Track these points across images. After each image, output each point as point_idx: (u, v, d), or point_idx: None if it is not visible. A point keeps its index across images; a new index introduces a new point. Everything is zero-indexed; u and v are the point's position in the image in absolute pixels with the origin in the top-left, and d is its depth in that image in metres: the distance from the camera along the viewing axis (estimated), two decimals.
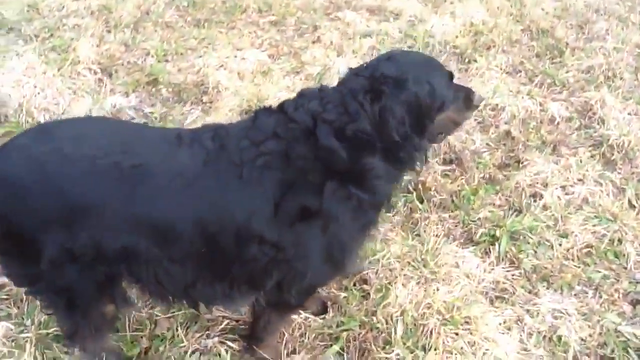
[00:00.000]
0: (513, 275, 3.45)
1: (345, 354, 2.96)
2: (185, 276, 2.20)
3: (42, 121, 4.33)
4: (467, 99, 2.49)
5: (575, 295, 3.37)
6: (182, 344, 2.91)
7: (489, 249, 3.60)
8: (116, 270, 2.18)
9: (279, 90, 4.82)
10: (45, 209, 2.02)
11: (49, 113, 4.43)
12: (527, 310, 3.24)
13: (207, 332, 3.00)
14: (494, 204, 3.92)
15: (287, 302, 2.46)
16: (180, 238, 2.07)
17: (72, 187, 2.01)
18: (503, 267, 3.48)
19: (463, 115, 2.54)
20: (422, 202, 3.89)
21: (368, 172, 2.15)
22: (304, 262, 2.23)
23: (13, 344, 2.83)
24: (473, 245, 3.63)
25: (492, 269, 3.47)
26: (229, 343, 2.93)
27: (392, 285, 3.26)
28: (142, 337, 2.97)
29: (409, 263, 3.44)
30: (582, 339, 3.12)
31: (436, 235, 3.64)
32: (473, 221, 3.76)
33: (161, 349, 2.90)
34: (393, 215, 3.80)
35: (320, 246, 2.21)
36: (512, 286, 3.37)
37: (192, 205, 2.07)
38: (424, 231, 3.67)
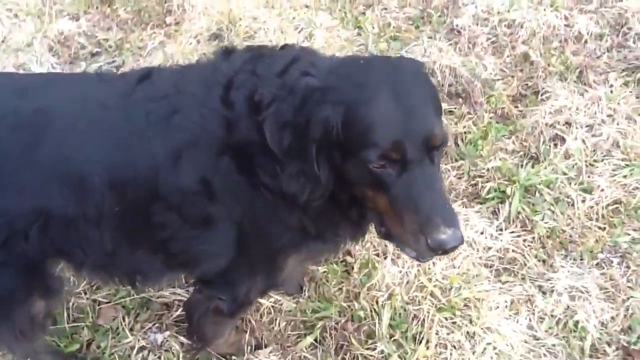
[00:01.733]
0: (525, 241, 2.92)
1: (320, 347, 2.51)
2: (104, 242, 1.85)
3: None
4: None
5: (597, 265, 2.84)
6: (127, 340, 2.46)
7: (498, 208, 3.04)
8: (37, 242, 1.76)
9: (255, 6, 4.09)
10: None
11: None
12: (540, 287, 2.74)
13: (160, 321, 2.55)
14: (506, 150, 3.31)
15: (214, 291, 2.07)
16: (92, 191, 1.74)
17: None
18: (513, 232, 2.94)
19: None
20: None
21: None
22: (198, 241, 1.85)
23: None
24: (479, 204, 3.07)
25: (500, 234, 2.93)
26: (183, 338, 2.48)
27: (380, 260, 2.76)
28: (82, 328, 2.53)
29: None
30: (602, 324, 2.63)
31: None
32: (480, 174, 3.17)
33: (103, 344, 2.47)
34: None
35: (209, 231, 1.83)
36: (524, 256, 2.85)
37: (101, 155, 1.75)
38: None
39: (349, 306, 2.60)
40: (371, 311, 2.58)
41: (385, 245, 2.84)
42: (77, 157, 1.73)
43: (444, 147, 1.62)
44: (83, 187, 1.72)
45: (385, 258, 2.76)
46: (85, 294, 2.61)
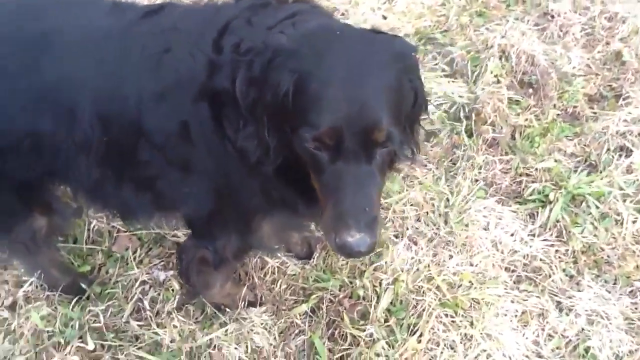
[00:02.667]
0: (557, 252, 2.72)
1: (313, 317, 2.51)
2: (93, 170, 1.90)
3: None
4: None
5: (630, 293, 2.61)
6: (132, 271, 2.57)
7: (537, 212, 2.84)
8: (29, 162, 1.87)
9: None
10: None
11: None
12: (558, 304, 2.56)
13: (168, 259, 2.64)
14: (564, 152, 3.07)
15: (199, 240, 2.11)
16: (81, 119, 1.78)
17: None
18: (546, 240, 2.75)
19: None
20: (470, 135, 3.12)
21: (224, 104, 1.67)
22: (181, 184, 1.86)
23: None
24: (518, 204, 2.89)
25: (532, 239, 2.75)
26: None
27: (395, 241, 2.68)
28: (98, 252, 2.66)
29: (427, 214, 2.80)
30: (617, 356, 2.43)
31: (474, 181, 2.93)
32: (527, 172, 2.97)
33: (111, 271, 2.59)
34: (431, 146, 3.10)
35: (188, 176, 1.83)
36: (551, 267, 2.66)
37: (92, 82, 1.77)
38: (461, 175, 2.96)
39: (350, 282, 2.56)
40: (372, 292, 2.52)
41: (407, 228, 2.76)
42: (70, 84, 1.76)
43: (389, 146, 1.49)
44: (73, 114, 1.76)
45: (401, 239, 2.68)
46: (108, 219, 2.73)
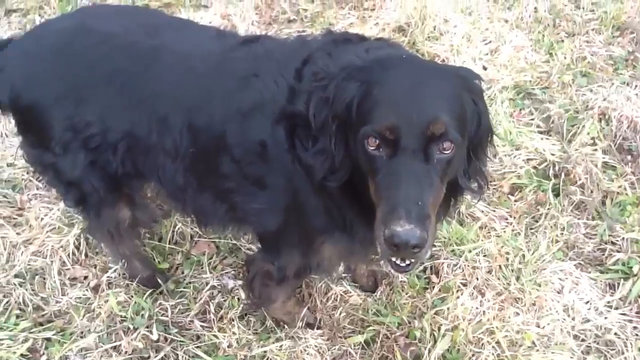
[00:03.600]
0: (635, 328, 2.57)
1: (366, 350, 2.53)
2: (177, 175, 2.08)
3: None
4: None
5: None
6: (205, 275, 2.73)
7: (618, 283, 2.71)
8: (122, 159, 2.09)
9: (452, 10, 4.03)
10: (57, 81, 2.02)
11: None
12: None
13: (240, 269, 2.77)
14: None
15: (265, 254, 2.21)
16: (173, 128, 1.99)
17: (83, 61, 2.02)
18: (624, 315, 2.61)
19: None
20: (557, 195, 3.04)
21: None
22: (253, 199, 1.98)
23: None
24: (599, 272, 2.77)
25: (609, 311, 2.62)
26: None
27: (462, 289, 2.65)
28: (178, 252, 2.85)
29: (499, 267, 2.75)
30: None
31: (554, 242, 2.84)
32: (613, 241, 2.84)
33: (187, 271, 2.76)
34: (515, 200, 3.05)
35: (261, 192, 1.94)
36: (625, 344, 2.52)
37: (187, 97, 1.97)
38: (542, 233, 2.89)
39: (409, 322, 2.56)
40: (429, 335, 2.51)
41: (477, 278, 2.72)
42: (168, 95, 1.97)
43: (447, 141, 1.51)
44: (166, 123, 1.96)
45: (467, 288, 2.65)
46: (192, 223, 2.91)
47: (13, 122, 2.27)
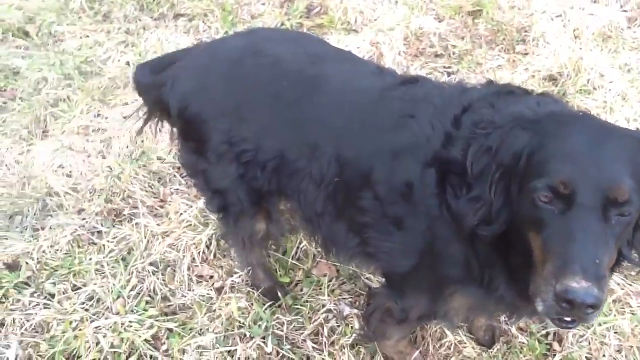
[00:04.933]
0: None
1: None
2: (318, 201, 2.15)
3: (352, 22, 4.36)
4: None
5: None
6: (323, 297, 2.77)
7: None
8: (269, 177, 2.19)
9: (610, 65, 3.85)
10: (224, 97, 2.17)
11: (362, 16, 4.41)
12: None
13: (357, 297, 2.80)
14: None
15: (391, 292, 2.20)
16: (322, 157, 2.05)
17: (250, 81, 2.15)
18: None
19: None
20: None
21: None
22: (388, 238, 1.98)
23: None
24: None
25: None
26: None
27: None
28: (300, 269, 2.92)
29: (631, 348, 2.58)
30: None
31: None
32: None
33: (305, 290, 2.82)
34: None
35: (397, 233, 1.94)
36: None
37: (341, 129, 2.03)
38: None
39: None
40: None
41: (604, 355, 2.56)
42: (322, 124, 2.04)
43: (631, 209, 1.43)
44: (317, 150, 2.03)
45: None
46: (317, 244, 2.97)
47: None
